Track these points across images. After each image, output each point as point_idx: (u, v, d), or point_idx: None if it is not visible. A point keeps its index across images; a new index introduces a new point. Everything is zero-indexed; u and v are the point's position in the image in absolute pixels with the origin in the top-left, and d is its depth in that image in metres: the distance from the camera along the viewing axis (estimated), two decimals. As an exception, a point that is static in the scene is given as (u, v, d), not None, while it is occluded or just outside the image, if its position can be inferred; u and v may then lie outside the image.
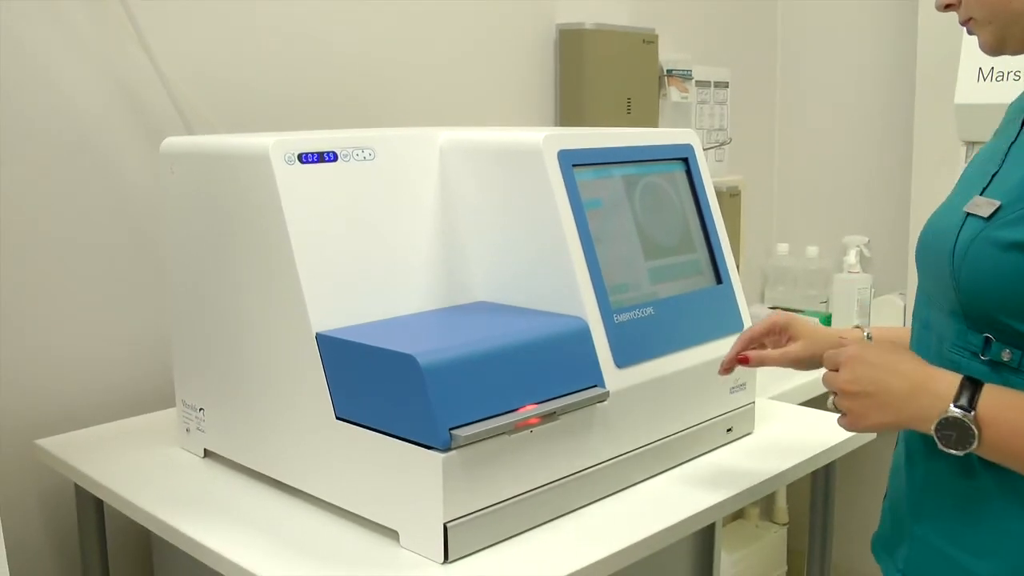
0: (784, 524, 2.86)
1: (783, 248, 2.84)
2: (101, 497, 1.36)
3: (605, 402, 1.22)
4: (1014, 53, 1.03)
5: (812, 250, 2.75)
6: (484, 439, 1.07)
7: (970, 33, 1.05)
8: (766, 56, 2.93)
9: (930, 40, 2.38)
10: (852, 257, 2.59)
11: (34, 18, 1.50)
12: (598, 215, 1.29)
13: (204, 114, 1.68)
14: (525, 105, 2.24)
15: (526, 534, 1.15)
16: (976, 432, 0.93)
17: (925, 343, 1.08)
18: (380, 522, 1.14)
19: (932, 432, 0.95)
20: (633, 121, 2.29)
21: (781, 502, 2.86)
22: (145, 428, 1.54)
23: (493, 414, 1.09)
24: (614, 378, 1.23)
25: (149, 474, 1.36)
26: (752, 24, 2.87)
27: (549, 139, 1.25)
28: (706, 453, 1.40)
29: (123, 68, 1.60)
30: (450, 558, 1.07)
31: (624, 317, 1.27)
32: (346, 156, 1.24)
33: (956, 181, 1.13)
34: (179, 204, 1.38)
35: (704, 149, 1.83)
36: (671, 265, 1.39)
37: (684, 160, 1.46)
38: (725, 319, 1.43)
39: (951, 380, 0.96)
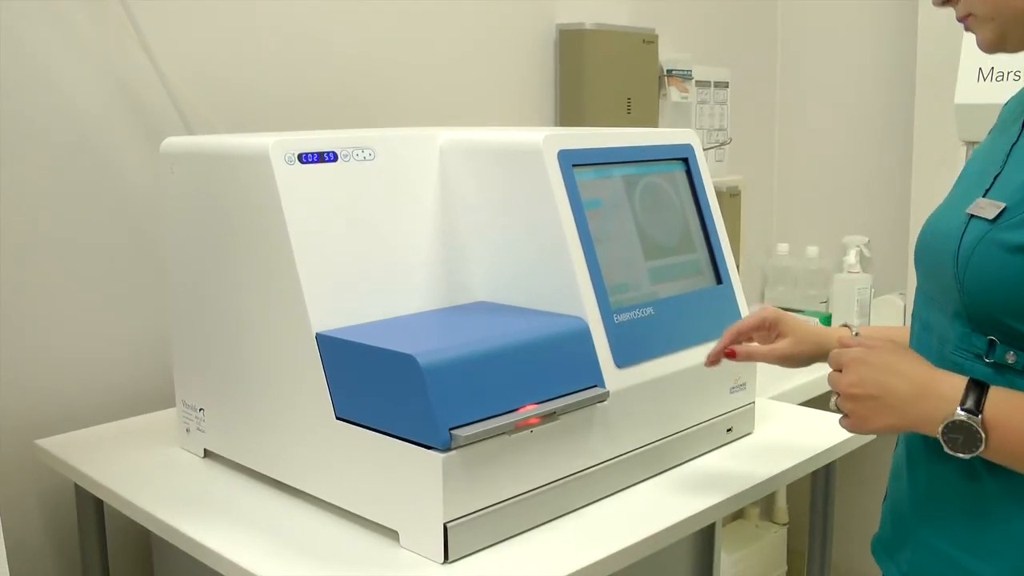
0: (784, 524, 2.86)
1: (783, 248, 2.84)
2: (101, 497, 1.36)
3: (605, 402, 1.21)
4: (1013, 51, 1.02)
5: (812, 250, 2.75)
6: (484, 439, 1.07)
7: (967, 29, 1.04)
8: (766, 56, 2.93)
9: (930, 40, 2.38)
10: (852, 257, 2.59)
11: (34, 18, 1.50)
12: (598, 215, 1.29)
13: (204, 114, 1.68)
14: (525, 105, 2.24)
15: (526, 534, 1.15)
16: (983, 435, 0.92)
17: (925, 344, 1.07)
18: (380, 522, 1.14)
19: (939, 435, 0.95)
20: (633, 121, 2.29)
21: (781, 502, 2.86)
22: (145, 428, 1.54)
23: (493, 414, 1.09)
24: (614, 378, 1.23)
25: (149, 474, 1.36)
26: (752, 24, 2.87)
27: (549, 139, 1.25)
28: (706, 453, 1.40)
29: (123, 68, 1.60)
30: (450, 558, 1.07)
31: (624, 317, 1.27)
32: (346, 156, 1.24)
33: (954, 182, 1.12)
34: (179, 204, 1.38)
35: (704, 149, 1.83)
36: (671, 265, 1.39)
37: (684, 160, 1.46)
38: (725, 319, 1.42)
39: (956, 383, 0.95)
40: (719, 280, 1.45)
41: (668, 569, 1.69)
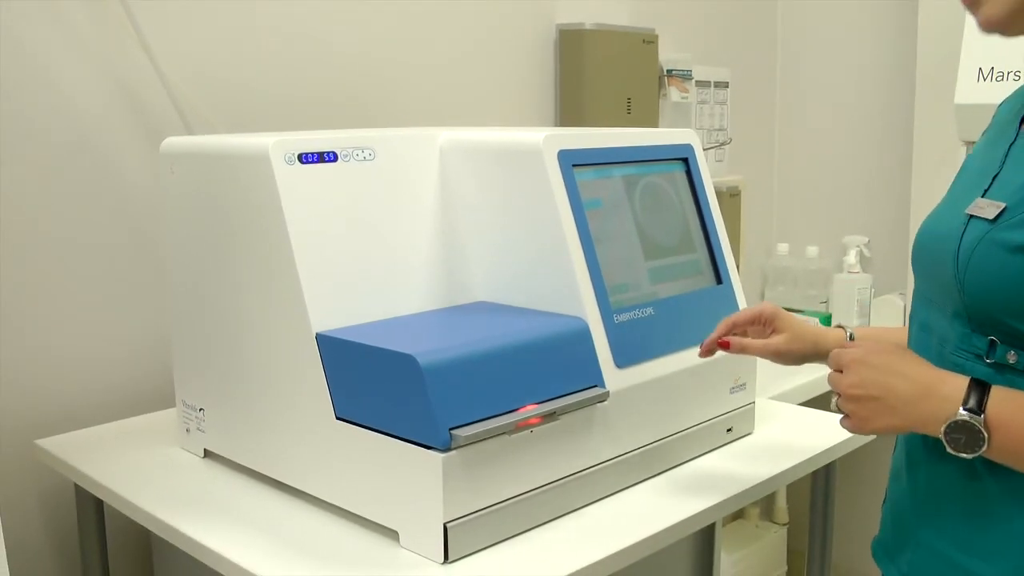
0: (784, 524, 2.86)
1: (783, 248, 2.84)
2: (101, 497, 1.36)
3: (605, 402, 1.21)
4: (1012, 35, 0.98)
5: (812, 250, 2.75)
6: (484, 439, 1.07)
7: (968, 8, 1.00)
8: (766, 56, 2.93)
9: (930, 40, 2.38)
10: (852, 257, 2.59)
11: (34, 18, 1.50)
12: (598, 215, 1.29)
13: (204, 114, 1.68)
14: (525, 105, 2.24)
15: (526, 534, 1.15)
16: (986, 435, 0.92)
17: (924, 345, 1.07)
18: (380, 522, 1.14)
19: (941, 436, 0.94)
20: (633, 121, 2.29)
21: (781, 502, 2.86)
22: (145, 428, 1.54)
23: (493, 414, 1.09)
24: (614, 378, 1.23)
25: (149, 474, 1.36)
26: (752, 24, 2.87)
27: (549, 139, 1.25)
28: (706, 453, 1.40)
29: (123, 68, 1.60)
30: (450, 558, 1.07)
31: (624, 317, 1.27)
32: (346, 156, 1.24)
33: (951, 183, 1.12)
34: (179, 204, 1.38)
35: (704, 149, 1.83)
36: (671, 265, 1.39)
37: (684, 160, 1.46)
38: (725, 319, 1.43)
39: (958, 383, 0.95)
40: (719, 280, 1.45)
41: (668, 569, 1.69)
